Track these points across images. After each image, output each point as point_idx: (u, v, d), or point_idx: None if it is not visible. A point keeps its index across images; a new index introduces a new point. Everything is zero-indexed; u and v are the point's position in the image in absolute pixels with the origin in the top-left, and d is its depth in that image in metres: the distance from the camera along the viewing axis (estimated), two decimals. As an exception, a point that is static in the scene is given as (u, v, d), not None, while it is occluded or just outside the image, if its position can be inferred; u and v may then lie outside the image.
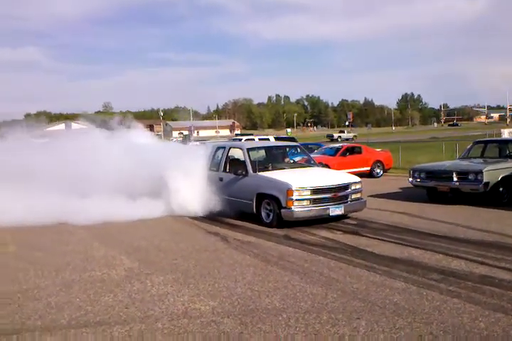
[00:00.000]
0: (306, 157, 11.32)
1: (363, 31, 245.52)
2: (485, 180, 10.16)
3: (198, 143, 26.46)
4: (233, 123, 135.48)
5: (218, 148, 10.87)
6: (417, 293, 5.03)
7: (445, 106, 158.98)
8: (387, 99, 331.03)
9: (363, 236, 7.86)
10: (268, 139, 22.44)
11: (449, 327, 4.14)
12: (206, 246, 7.50)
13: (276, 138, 23.37)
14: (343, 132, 73.60)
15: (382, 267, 5.99)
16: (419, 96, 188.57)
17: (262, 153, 10.65)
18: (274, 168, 9.69)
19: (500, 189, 10.40)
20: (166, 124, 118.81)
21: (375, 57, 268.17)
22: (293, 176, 9.03)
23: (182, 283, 5.64)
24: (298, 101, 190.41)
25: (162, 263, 6.61)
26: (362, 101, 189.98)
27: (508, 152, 11.80)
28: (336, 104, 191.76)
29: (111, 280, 5.85)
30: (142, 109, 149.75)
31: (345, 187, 8.98)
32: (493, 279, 5.40)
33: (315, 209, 8.58)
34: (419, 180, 11.54)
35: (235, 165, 9.87)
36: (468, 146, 12.71)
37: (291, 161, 11.11)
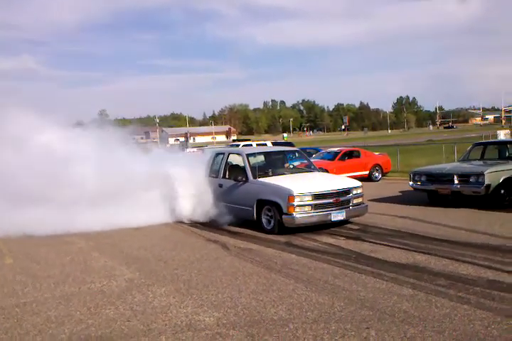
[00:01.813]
0: (305, 162, 11.22)
1: (358, 35, 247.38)
2: (486, 182, 10.08)
3: (195, 149, 26.37)
4: (229, 129, 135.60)
5: (217, 154, 10.76)
6: (425, 299, 4.91)
7: (440, 108, 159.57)
8: (383, 102, 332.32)
9: (366, 241, 7.74)
10: (265, 144, 22.33)
11: (461, 335, 4.02)
12: (207, 255, 7.36)
13: (274, 144, 23.24)
14: None
15: (389, 273, 5.88)
16: (414, 99, 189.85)
17: (262, 158, 10.54)
18: (274, 174, 9.58)
19: (502, 191, 10.31)
20: (162, 131, 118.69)
21: (369, 61, 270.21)
22: (294, 182, 8.92)
23: (184, 294, 5.51)
24: (294, 106, 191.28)
25: (163, 273, 6.47)
26: (357, 105, 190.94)
27: (508, 154, 11.73)
28: (331, 108, 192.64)
29: (111, 292, 5.71)
30: (138, 116, 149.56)
31: (347, 191, 8.87)
32: (502, 284, 5.29)
33: (317, 215, 8.46)
34: (419, 183, 11.45)
35: (235, 171, 9.76)
36: (468, 148, 12.63)
37: (291, 166, 11.00)
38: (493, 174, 10.20)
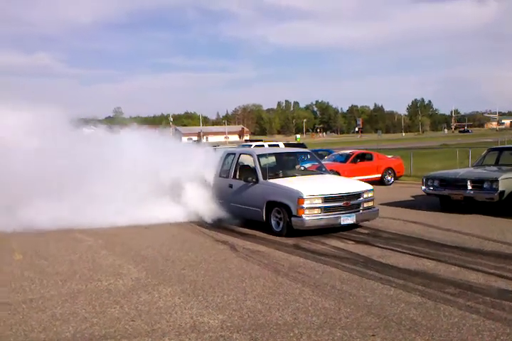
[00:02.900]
0: (317, 164, 11.14)
1: (373, 36, 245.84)
2: (500, 188, 9.91)
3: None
4: (242, 128, 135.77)
5: (228, 154, 10.73)
6: (433, 308, 4.83)
7: (456, 112, 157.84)
8: (397, 105, 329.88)
9: (376, 246, 7.65)
10: (278, 145, 22.24)
11: (469, 346, 3.94)
12: (215, 256, 7.34)
13: (286, 145, 23.14)
14: None
15: (397, 280, 5.80)
16: (429, 102, 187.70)
17: (273, 159, 10.49)
18: (284, 175, 9.53)
19: (516, 198, 10.14)
20: (176, 130, 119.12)
21: (385, 63, 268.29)
22: (304, 184, 8.86)
23: (190, 295, 5.48)
24: (307, 107, 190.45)
25: (170, 273, 6.46)
26: (372, 107, 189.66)
27: (524, 160, 11.53)
28: (345, 109, 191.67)
29: (117, 291, 5.71)
30: (152, 115, 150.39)
31: (358, 195, 8.79)
32: (513, 294, 5.19)
33: (326, 218, 8.39)
34: (432, 188, 11.31)
35: (245, 172, 9.72)
36: (483, 153, 12.45)
37: (302, 168, 10.93)
38: (508, 180, 10.03)
